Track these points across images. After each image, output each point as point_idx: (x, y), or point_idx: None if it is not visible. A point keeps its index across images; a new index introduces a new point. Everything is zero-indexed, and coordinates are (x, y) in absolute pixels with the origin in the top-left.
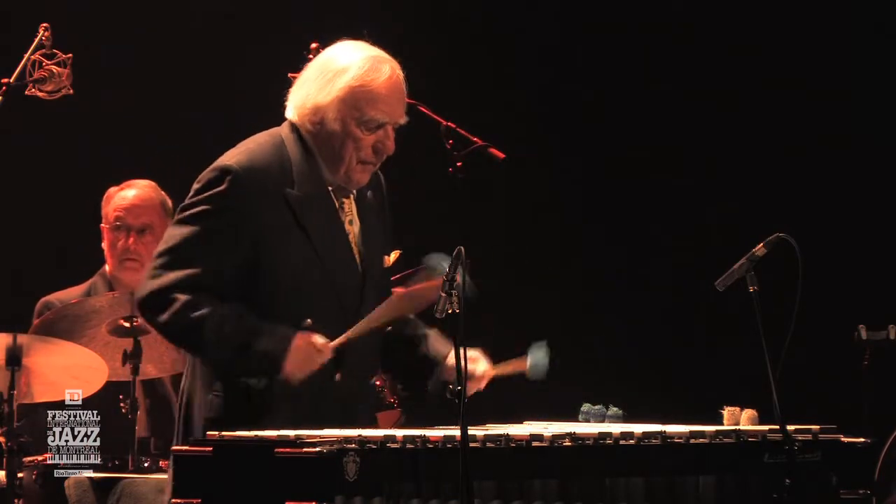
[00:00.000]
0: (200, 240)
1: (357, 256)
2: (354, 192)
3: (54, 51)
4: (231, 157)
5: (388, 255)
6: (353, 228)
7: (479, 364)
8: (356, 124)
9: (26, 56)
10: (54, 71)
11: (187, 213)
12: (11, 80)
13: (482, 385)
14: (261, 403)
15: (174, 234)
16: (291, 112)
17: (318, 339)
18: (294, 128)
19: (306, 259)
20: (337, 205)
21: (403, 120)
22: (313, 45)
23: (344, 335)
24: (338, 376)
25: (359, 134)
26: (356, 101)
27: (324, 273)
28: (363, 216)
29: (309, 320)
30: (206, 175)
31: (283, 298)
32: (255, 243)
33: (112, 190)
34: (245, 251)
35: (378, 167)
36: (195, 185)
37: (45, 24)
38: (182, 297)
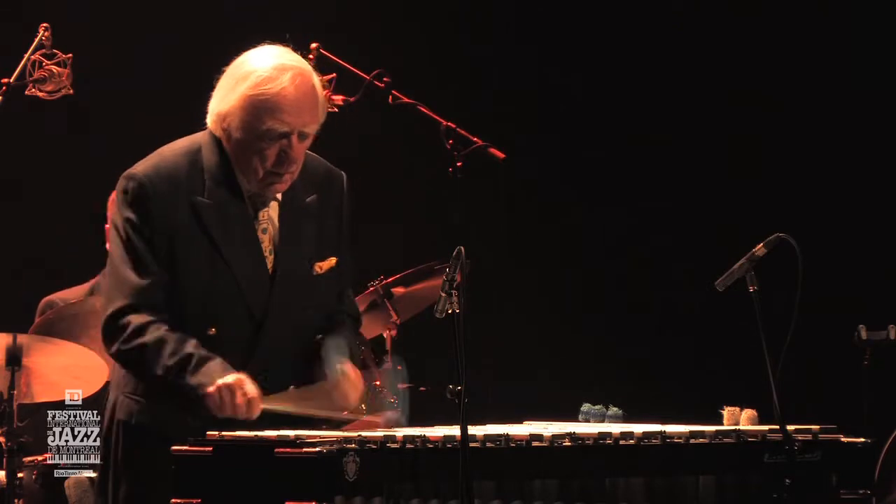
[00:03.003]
0: (128, 256)
1: (269, 263)
2: (278, 197)
3: (54, 51)
4: (138, 166)
5: (323, 262)
6: (270, 235)
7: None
8: (256, 135)
9: (26, 56)
10: (54, 71)
11: (113, 225)
12: (11, 80)
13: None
14: (166, 411)
15: (110, 254)
16: (208, 118)
17: (251, 389)
18: (212, 135)
19: (213, 266)
20: (251, 212)
21: (310, 128)
22: (313, 45)
23: (284, 402)
24: None
25: (260, 144)
26: (255, 109)
27: (231, 280)
28: (286, 222)
29: (213, 329)
30: (118, 183)
31: (191, 304)
32: (167, 246)
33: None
34: (162, 254)
35: (292, 175)
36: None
37: (45, 24)
38: (130, 323)
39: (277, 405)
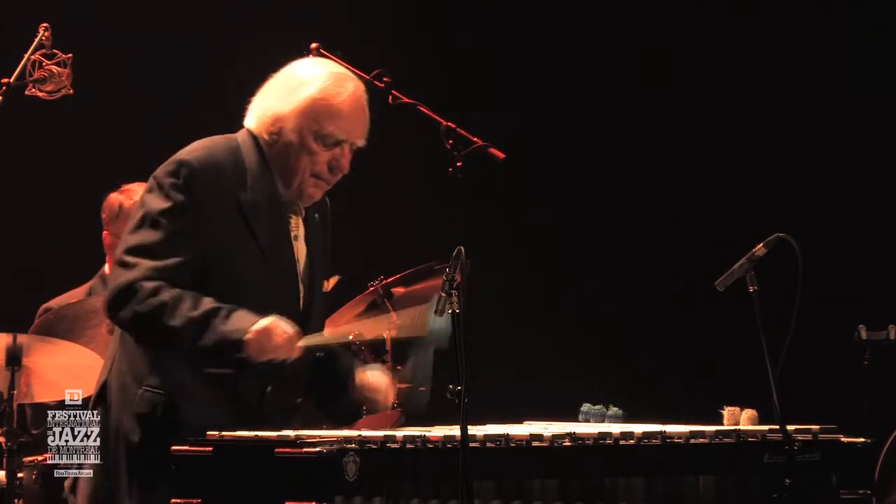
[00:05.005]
0: (160, 235)
1: (300, 272)
2: (303, 211)
3: (54, 51)
4: (189, 153)
5: (327, 280)
6: (298, 245)
7: (380, 383)
8: (313, 138)
9: (26, 56)
10: (54, 71)
11: (145, 209)
12: (11, 80)
13: (388, 401)
14: (188, 404)
15: (135, 232)
16: (251, 121)
17: (288, 327)
18: (252, 137)
19: (252, 263)
20: (287, 218)
21: (362, 142)
22: (313, 46)
23: (319, 337)
24: (268, 388)
25: (315, 148)
26: (316, 113)
27: (268, 280)
28: (309, 235)
29: None
30: (163, 169)
31: (227, 298)
32: (207, 238)
33: (112, 196)
34: (200, 244)
35: (332, 185)
36: (152, 181)
37: (45, 24)
38: (145, 286)
39: (315, 340)
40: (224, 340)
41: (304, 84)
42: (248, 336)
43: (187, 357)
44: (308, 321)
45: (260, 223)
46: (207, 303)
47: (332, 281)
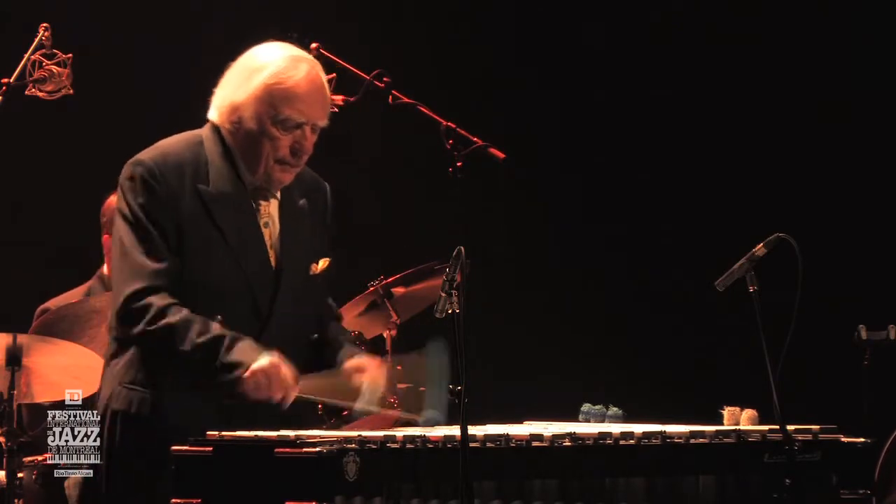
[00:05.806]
0: (139, 240)
1: (272, 258)
2: (278, 195)
3: (54, 51)
4: (144, 154)
5: (317, 263)
6: (270, 230)
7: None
8: (272, 123)
9: (26, 56)
10: (54, 71)
11: (118, 218)
12: (11, 80)
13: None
14: (166, 400)
15: (118, 242)
16: (213, 113)
17: (288, 371)
18: (215, 129)
19: (219, 255)
20: (253, 206)
21: (322, 122)
22: (313, 46)
23: (314, 385)
24: None
25: (275, 133)
26: (271, 98)
27: (237, 270)
28: (286, 220)
29: (220, 317)
30: (122, 174)
31: (196, 292)
32: (175, 236)
33: (112, 199)
34: (172, 242)
35: (300, 168)
36: (118, 189)
37: (45, 24)
38: (153, 304)
39: (310, 394)
40: (223, 371)
41: (257, 70)
42: (247, 374)
43: (188, 373)
44: (279, 305)
45: (222, 213)
46: (214, 328)
47: (323, 263)
